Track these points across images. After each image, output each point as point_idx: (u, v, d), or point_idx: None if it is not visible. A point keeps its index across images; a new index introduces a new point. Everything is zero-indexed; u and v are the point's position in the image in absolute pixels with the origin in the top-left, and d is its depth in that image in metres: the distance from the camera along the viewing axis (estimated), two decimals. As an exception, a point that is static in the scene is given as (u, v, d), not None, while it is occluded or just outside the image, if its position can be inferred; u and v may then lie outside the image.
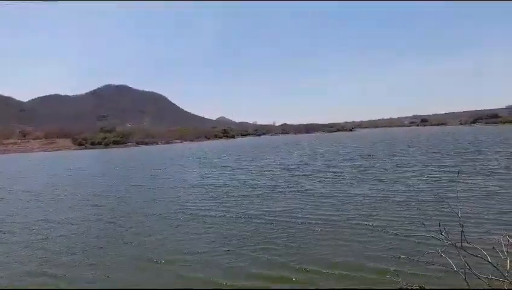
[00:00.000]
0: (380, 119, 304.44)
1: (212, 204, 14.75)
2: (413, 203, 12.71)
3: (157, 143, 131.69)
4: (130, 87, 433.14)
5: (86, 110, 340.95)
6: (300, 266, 7.68)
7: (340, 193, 15.53)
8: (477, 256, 4.10)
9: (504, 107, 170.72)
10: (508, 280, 3.73)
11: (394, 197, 13.97)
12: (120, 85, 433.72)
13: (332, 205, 13.16)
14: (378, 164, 25.97)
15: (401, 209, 12.02)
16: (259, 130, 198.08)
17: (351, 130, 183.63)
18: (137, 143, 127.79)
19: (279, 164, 30.51)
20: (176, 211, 13.83)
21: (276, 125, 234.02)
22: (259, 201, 14.82)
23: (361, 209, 12.34)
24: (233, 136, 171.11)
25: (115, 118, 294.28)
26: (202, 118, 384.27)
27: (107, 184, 23.23)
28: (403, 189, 15.56)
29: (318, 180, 19.69)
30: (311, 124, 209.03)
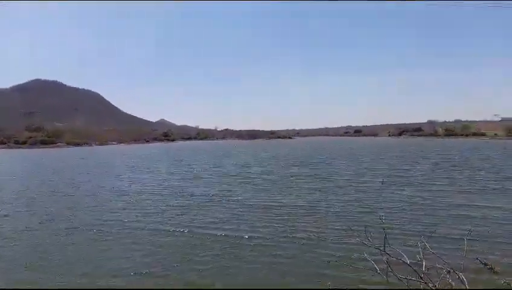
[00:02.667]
0: (318, 129, 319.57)
1: (140, 216, 13.46)
2: (341, 212, 13.15)
3: (90, 144, 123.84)
4: (63, 84, 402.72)
5: (10, 106, 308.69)
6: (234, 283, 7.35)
7: (270, 202, 15.35)
8: (397, 259, 4.44)
9: (425, 121, 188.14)
10: (423, 280, 4.13)
11: (323, 206, 14.26)
12: (51, 80, 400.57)
13: (263, 216, 12.86)
14: (308, 173, 26.77)
15: (330, 218, 12.34)
16: (200, 134, 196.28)
17: (290, 138, 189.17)
18: (68, 144, 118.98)
19: (216, 170, 30.20)
20: (96, 223, 12.30)
21: (218, 130, 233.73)
22: (189, 212, 13.98)
23: (289, 219, 12.31)
24: (173, 140, 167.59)
25: (44, 116, 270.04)
26: (141, 120, 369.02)
27: (18, 189, 20.90)
28: (331, 198, 15.97)
29: (251, 189, 19.41)
30: (252, 130, 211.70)
